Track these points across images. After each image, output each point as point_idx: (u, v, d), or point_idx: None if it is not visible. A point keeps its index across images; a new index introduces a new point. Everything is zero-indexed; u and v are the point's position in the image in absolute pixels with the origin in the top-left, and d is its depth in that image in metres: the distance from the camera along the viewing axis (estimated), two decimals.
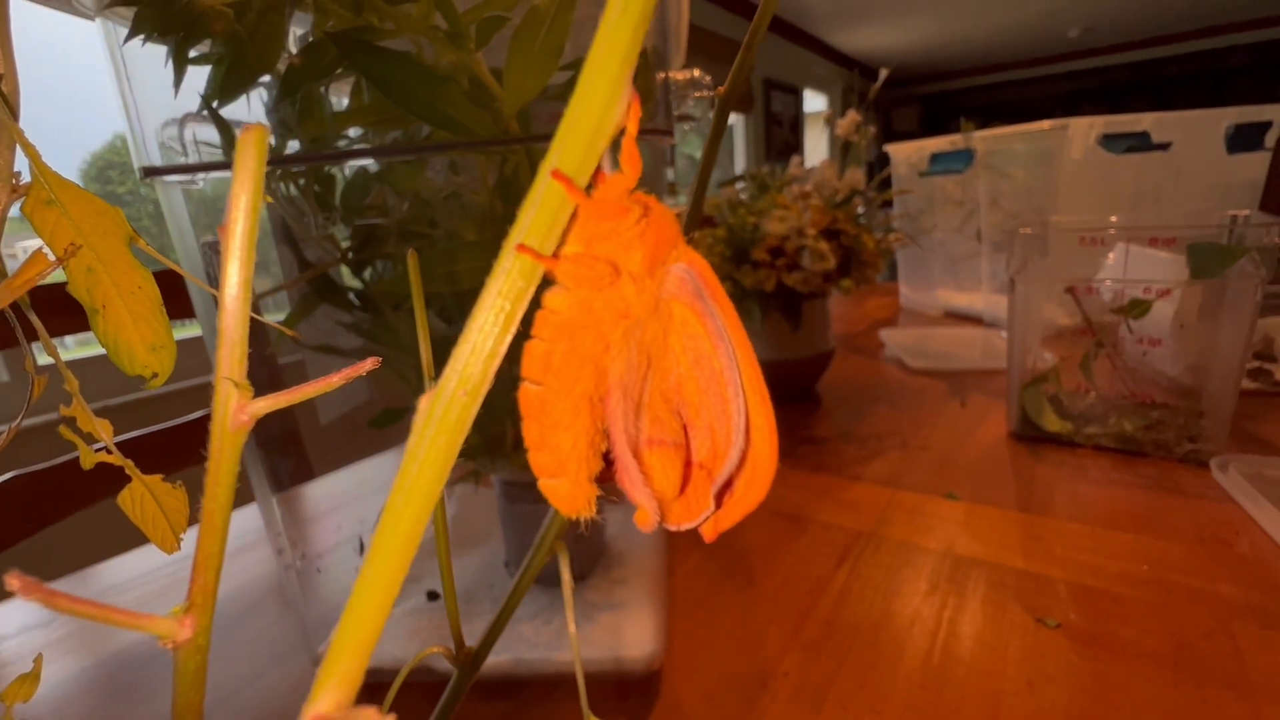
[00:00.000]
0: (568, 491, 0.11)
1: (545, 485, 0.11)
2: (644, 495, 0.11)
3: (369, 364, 0.09)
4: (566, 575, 0.13)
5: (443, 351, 0.17)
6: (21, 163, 0.10)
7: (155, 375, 0.11)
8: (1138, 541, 0.42)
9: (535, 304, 0.10)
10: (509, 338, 0.09)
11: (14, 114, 0.10)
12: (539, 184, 0.09)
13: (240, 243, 0.08)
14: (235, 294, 0.08)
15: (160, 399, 1.30)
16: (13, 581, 0.06)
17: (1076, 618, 0.35)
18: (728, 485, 0.11)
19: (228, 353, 0.08)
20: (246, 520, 0.53)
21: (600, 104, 0.08)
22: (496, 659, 0.33)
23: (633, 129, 0.09)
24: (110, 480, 0.59)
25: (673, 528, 0.11)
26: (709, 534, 0.11)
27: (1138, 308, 0.54)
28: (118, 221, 0.11)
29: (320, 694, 0.07)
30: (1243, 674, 0.30)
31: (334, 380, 0.09)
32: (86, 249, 0.10)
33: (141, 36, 0.25)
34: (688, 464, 0.11)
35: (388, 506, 0.08)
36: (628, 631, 0.34)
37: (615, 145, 0.09)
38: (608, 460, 0.11)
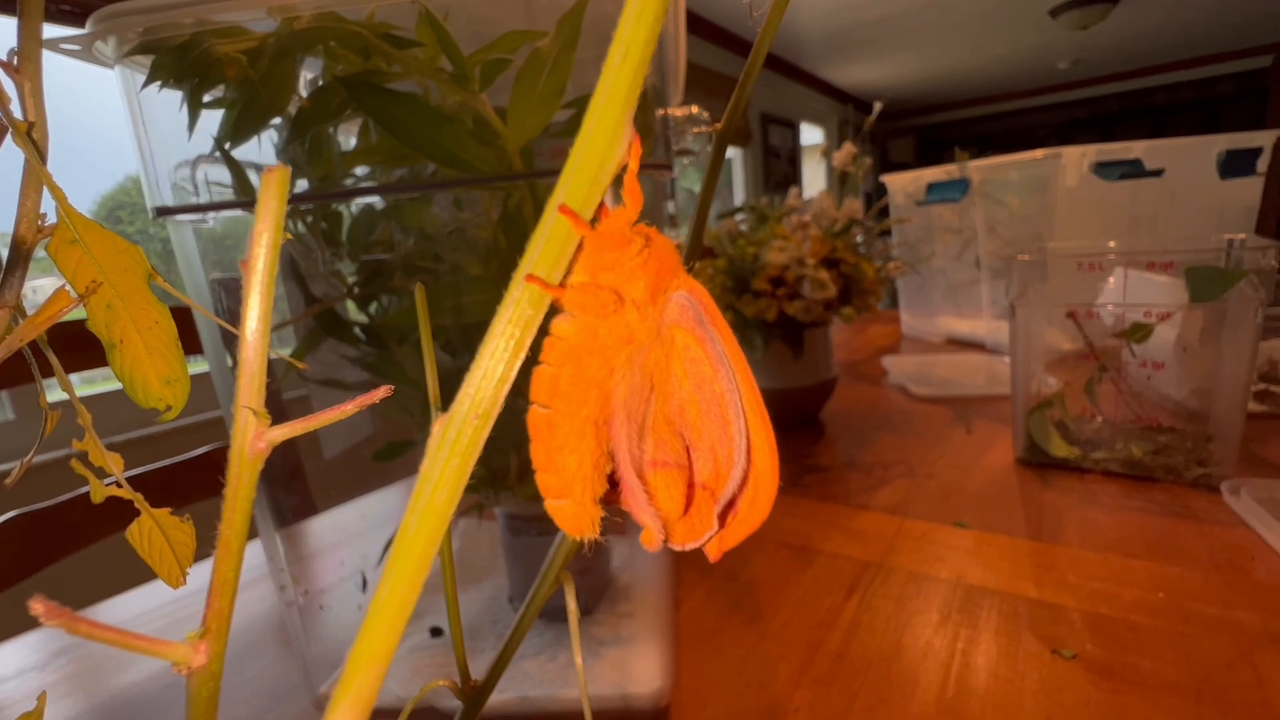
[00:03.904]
0: (573, 512, 0.11)
1: (551, 506, 0.11)
2: (648, 514, 0.11)
3: (381, 391, 0.09)
4: (572, 605, 0.13)
5: (447, 383, 0.17)
6: (47, 204, 0.10)
7: (169, 408, 0.11)
8: (1152, 568, 0.41)
9: (543, 331, 0.10)
10: (519, 363, 0.09)
11: (43, 159, 0.10)
12: (546, 218, 0.09)
13: (261, 277, 0.08)
14: (255, 326, 0.08)
15: (159, 436, 1.30)
16: (36, 606, 0.06)
17: (1093, 648, 0.34)
18: (731, 505, 0.11)
19: (247, 382, 0.08)
20: (248, 556, 0.53)
21: (603, 144, 0.09)
22: (501, 697, 0.32)
23: (634, 166, 0.10)
24: (107, 520, 0.58)
25: (677, 547, 0.11)
26: (713, 553, 0.12)
27: (1139, 331, 0.54)
28: (137, 259, 0.11)
29: (335, 713, 0.07)
30: (1267, 704, 0.30)
31: (348, 408, 0.09)
32: (106, 286, 0.10)
33: (158, 83, 0.26)
34: (691, 485, 0.11)
35: (402, 528, 0.08)
36: (634, 667, 0.33)
37: (618, 181, 0.10)
38: (613, 483, 0.11)
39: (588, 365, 0.11)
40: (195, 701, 0.08)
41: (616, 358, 0.11)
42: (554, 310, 0.10)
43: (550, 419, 0.11)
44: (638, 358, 0.11)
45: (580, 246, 0.10)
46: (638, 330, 0.11)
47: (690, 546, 0.11)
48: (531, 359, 0.10)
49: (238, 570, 0.08)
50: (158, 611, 0.48)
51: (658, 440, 0.11)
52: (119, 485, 0.13)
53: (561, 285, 0.10)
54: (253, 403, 0.08)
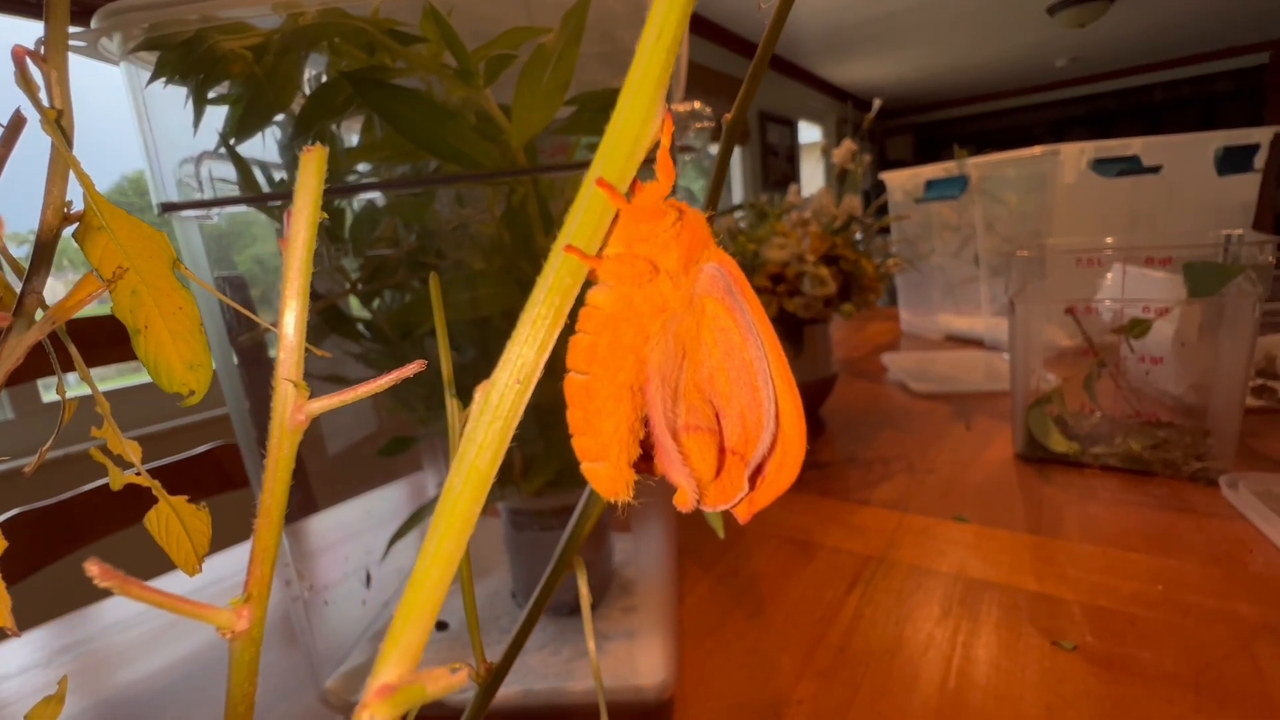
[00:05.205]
0: (609, 474, 0.11)
1: (588, 469, 0.11)
2: (683, 475, 0.11)
3: (414, 366, 0.09)
4: (585, 590, 0.13)
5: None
6: (74, 191, 0.10)
7: (192, 392, 0.12)
8: (1150, 561, 0.41)
9: (579, 301, 0.10)
10: (558, 330, 0.09)
11: (70, 146, 0.10)
12: (584, 191, 0.10)
13: (300, 252, 0.08)
14: (295, 301, 0.08)
15: (158, 436, 1.30)
16: (92, 568, 0.07)
17: (1093, 640, 0.34)
18: (759, 469, 0.12)
19: (287, 356, 0.08)
20: None
21: (638, 120, 0.09)
22: (506, 691, 0.32)
23: (666, 142, 0.10)
24: (111, 517, 0.59)
25: (709, 508, 0.12)
26: (744, 515, 0.12)
27: (1138, 327, 0.54)
28: (162, 245, 0.11)
29: (384, 667, 0.07)
30: (1266, 695, 0.30)
31: (383, 381, 0.09)
32: (132, 272, 0.11)
33: (163, 79, 0.26)
34: (721, 449, 0.12)
35: (446, 488, 0.08)
36: (639, 660, 0.33)
37: (650, 157, 0.10)
38: (644, 449, 0.11)
39: (624, 332, 0.11)
40: (237, 665, 0.08)
41: (651, 325, 0.11)
42: (588, 284, 0.11)
43: (588, 384, 0.11)
44: (671, 325, 0.11)
45: (616, 219, 0.11)
46: (671, 299, 0.11)
47: (722, 507, 0.12)
48: (568, 329, 0.10)
49: (278, 538, 0.08)
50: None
51: (689, 406, 0.12)
52: (137, 474, 0.13)
53: (599, 256, 0.11)
54: (292, 375, 0.08)
